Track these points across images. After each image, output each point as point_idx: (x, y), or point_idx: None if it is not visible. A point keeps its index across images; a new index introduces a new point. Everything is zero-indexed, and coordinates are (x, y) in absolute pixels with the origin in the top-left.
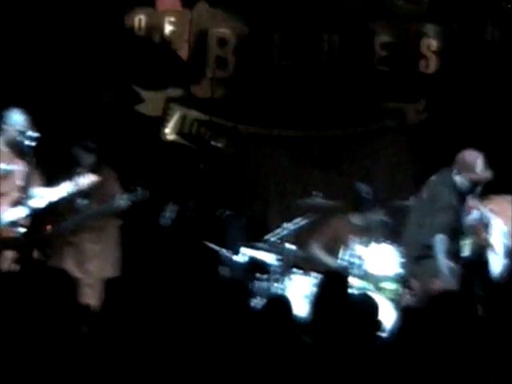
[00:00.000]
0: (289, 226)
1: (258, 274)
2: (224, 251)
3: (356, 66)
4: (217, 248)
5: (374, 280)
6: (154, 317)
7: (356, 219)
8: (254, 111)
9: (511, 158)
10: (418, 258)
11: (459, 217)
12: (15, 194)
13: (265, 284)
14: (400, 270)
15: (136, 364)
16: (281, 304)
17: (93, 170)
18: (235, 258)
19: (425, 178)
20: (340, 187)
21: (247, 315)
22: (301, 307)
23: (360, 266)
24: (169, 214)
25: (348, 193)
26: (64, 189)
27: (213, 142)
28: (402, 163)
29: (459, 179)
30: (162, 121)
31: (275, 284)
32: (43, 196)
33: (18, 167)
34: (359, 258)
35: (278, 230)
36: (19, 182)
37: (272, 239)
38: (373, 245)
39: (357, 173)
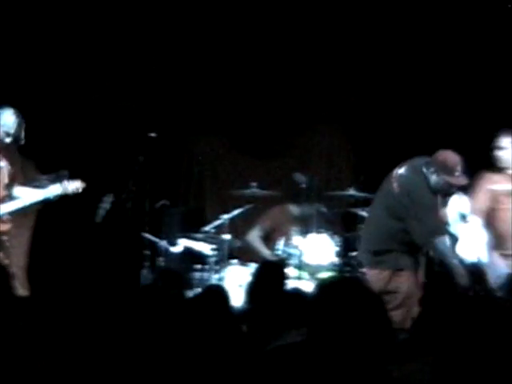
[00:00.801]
0: (225, 216)
1: (194, 265)
2: (160, 242)
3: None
4: (153, 239)
5: (311, 270)
6: (89, 308)
7: (293, 209)
8: (190, 102)
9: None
10: (382, 251)
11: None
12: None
13: (202, 274)
14: (336, 260)
15: (72, 351)
16: (216, 293)
17: None
18: (172, 248)
19: (361, 167)
20: (277, 177)
21: (182, 305)
22: (237, 297)
23: (297, 256)
24: (105, 205)
25: (285, 183)
26: (50, 191)
27: (149, 133)
28: (338, 153)
29: (435, 179)
30: None
31: (212, 274)
32: (22, 197)
33: (4, 165)
34: (296, 247)
35: (214, 221)
36: (5, 181)
37: (208, 229)
38: (310, 235)
39: (293, 163)
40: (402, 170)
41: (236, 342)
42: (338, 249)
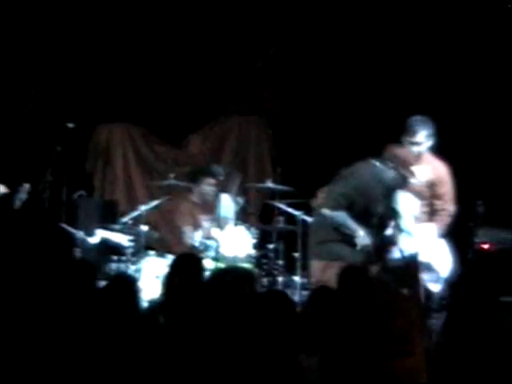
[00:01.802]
0: (142, 208)
1: (112, 256)
2: (77, 232)
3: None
4: (70, 229)
5: (228, 262)
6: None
7: (210, 197)
8: (107, 91)
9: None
10: (319, 241)
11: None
12: None
13: (119, 265)
14: (253, 252)
15: None
16: (125, 283)
17: None
18: (89, 239)
19: (282, 160)
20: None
21: (95, 296)
22: (155, 288)
23: (214, 248)
24: (21, 195)
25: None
26: None
27: (66, 123)
28: (258, 146)
29: (392, 173)
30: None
31: (129, 265)
32: None
33: None
34: (213, 239)
35: (131, 212)
36: None
37: (125, 220)
38: (227, 226)
39: (211, 154)
40: (361, 166)
41: (152, 333)
42: (255, 241)
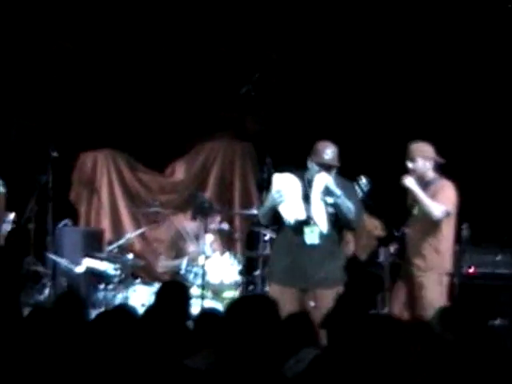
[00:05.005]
0: (127, 235)
1: (98, 285)
2: (63, 261)
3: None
4: (56, 258)
5: (214, 288)
6: None
7: (193, 227)
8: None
9: None
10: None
11: None
12: None
13: (106, 294)
14: (239, 278)
15: None
16: (124, 313)
17: None
18: (74, 268)
19: (268, 186)
20: (177, 194)
21: (83, 325)
22: (140, 315)
23: (200, 275)
24: (5, 225)
25: (186, 200)
26: None
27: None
28: (243, 172)
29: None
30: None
31: (116, 294)
32: None
33: None
34: (199, 266)
35: (116, 240)
36: None
37: (111, 249)
38: (213, 254)
39: (194, 181)
40: None
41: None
42: (240, 267)
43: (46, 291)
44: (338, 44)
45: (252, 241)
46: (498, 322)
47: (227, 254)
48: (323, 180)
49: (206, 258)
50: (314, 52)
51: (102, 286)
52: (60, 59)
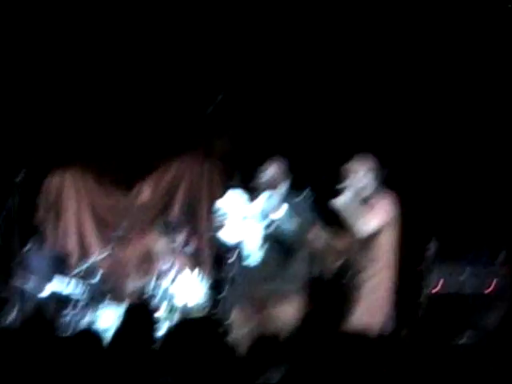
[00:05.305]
0: (94, 258)
1: (64, 308)
2: (28, 286)
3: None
4: (22, 283)
5: (181, 310)
6: None
7: (161, 247)
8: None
9: None
10: None
11: None
12: None
13: (73, 317)
14: (205, 299)
15: None
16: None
17: None
18: (40, 292)
19: None
20: (145, 215)
21: (53, 349)
22: (106, 338)
23: (166, 297)
24: None
25: (153, 221)
26: None
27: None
28: (210, 193)
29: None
30: None
31: (83, 317)
32: None
33: None
34: (166, 288)
35: (83, 262)
36: None
37: (77, 271)
38: (180, 274)
39: (161, 200)
40: None
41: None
42: (207, 289)
43: (13, 316)
44: (301, 60)
45: (220, 261)
46: (463, 340)
47: (195, 274)
48: (260, 201)
49: (173, 278)
50: (279, 71)
51: (68, 310)
52: (24, 79)
